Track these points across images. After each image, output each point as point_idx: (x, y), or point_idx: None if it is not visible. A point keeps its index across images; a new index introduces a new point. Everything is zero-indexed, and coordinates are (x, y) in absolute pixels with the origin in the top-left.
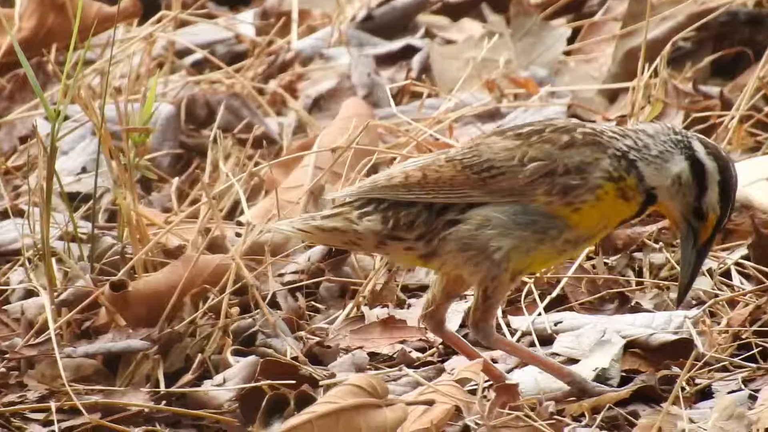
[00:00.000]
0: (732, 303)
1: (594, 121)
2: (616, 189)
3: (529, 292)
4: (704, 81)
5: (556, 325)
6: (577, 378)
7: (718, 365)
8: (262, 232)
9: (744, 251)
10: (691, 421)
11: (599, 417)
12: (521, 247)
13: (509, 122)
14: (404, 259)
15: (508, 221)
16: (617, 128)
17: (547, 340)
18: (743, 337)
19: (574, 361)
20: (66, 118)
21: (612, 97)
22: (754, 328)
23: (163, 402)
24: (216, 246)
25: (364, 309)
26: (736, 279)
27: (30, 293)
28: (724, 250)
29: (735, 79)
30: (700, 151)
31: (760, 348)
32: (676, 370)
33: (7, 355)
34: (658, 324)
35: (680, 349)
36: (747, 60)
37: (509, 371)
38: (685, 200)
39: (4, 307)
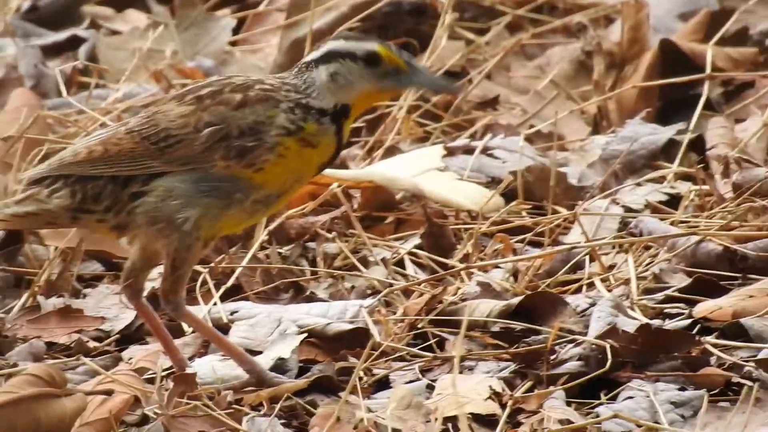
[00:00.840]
0: (407, 292)
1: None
2: (298, 141)
3: (204, 282)
4: None
5: (231, 314)
6: (257, 367)
7: (395, 355)
8: None
9: (417, 240)
10: (369, 410)
11: (277, 406)
12: (208, 215)
13: None
14: (100, 232)
15: (191, 190)
16: (280, 80)
17: (223, 329)
18: (419, 326)
19: (250, 351)
20: None
21: None
22: (430, 317)
23: None
24: None
25: (40, 299)
26: (411, 268)
27: None
28: (397, 239)
29: None
30: (314, 54)
31: (437, 338)
32: (353, 360)
33: None
34: (333, 313)
35: (357, 338)
36: (412, 50)
37: (189, 359)
38: (355, 73)
39: None
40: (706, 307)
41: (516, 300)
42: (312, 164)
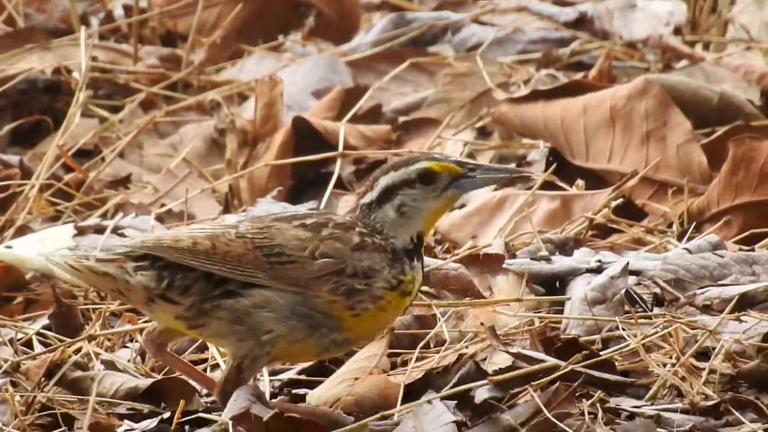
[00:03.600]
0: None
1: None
2: (400, 293)
3: None
4: (4, 149)
5: None
6: None
7: None
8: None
9: (46, 321)
10: None
11: None
12: (289, 336)
13: None
14: (166, 321)
15: (286, 309)
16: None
17: None
18: (44, 400)
19: None
20: None
21: None
22: (53, 386)
23: None
24: None
25: None
26: (38, 348)
27: None
28: (26, 320)
29: (35, 147)
30: (374, 190)
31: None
32: None
33: None
34: None
35: None
36: (47, 128)
37: None
38: (418, 197)
39: None
40: None
41: (146, 383)
42: (403, 308)
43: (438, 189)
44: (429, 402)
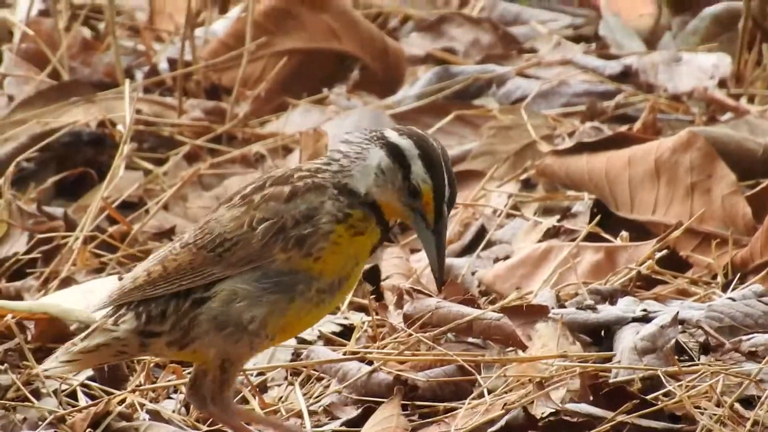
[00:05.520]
0: None
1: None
2: (347, 229)
3: None
4: (48, 202)
5: None
6: None
7: None
8: None
9: (90, 372)
10: None
11: None
12: (275, 311)
13: None
14: (169, 356)
15: (254, 289)
16: (326, 159)
17: None
18: None
19: None
20: None
21: None
22: None
23: None
24: None
25: None
26: (83, 400)
27: None
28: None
29: (79, 199)
30: (392, 135)
31: None
32: None
33: None
34: None
35: None
36: (90, 180)
37: None
38: (395, 186)
39: None
40: None
41: None
42: (366, 249)
43: (407, 201)
44: None
